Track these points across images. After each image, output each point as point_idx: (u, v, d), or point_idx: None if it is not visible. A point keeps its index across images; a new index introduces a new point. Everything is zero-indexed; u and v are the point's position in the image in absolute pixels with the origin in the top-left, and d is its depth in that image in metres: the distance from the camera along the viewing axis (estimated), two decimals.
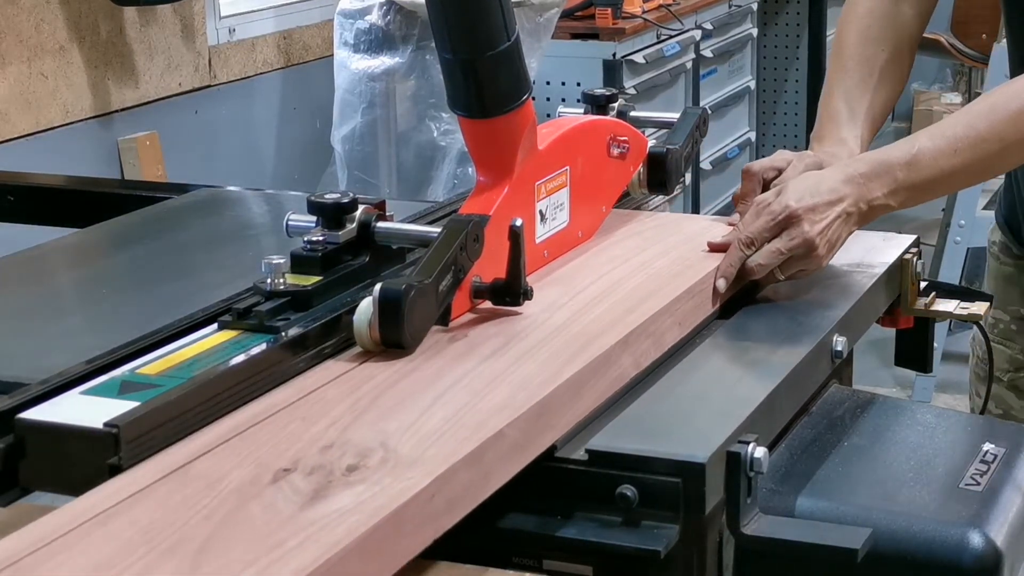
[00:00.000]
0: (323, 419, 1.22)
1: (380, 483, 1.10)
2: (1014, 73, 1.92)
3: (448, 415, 1.22)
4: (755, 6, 5.58)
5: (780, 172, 1.76)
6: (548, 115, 1.77)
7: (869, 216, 1.65)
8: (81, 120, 3.54)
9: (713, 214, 4.83)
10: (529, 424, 1.24)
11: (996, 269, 2.14)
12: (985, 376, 2.04)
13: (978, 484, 1.38)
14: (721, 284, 1.59)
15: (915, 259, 1.74)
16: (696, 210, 4.97)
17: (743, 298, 1.63)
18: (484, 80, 1.47)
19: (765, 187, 1.74)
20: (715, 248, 1.65)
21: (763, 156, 6.19)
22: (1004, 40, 4.22)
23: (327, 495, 1.08)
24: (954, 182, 1.73)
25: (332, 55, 4.09)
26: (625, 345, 1.40)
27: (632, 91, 4.45)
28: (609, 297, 1.51)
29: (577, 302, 1.50)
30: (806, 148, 1.88)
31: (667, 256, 1.65)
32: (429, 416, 1.22)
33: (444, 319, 1.42)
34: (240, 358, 1.29)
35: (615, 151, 1.75)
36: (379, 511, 1.05)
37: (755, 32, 5.63)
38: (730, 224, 1.73)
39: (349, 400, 1.26)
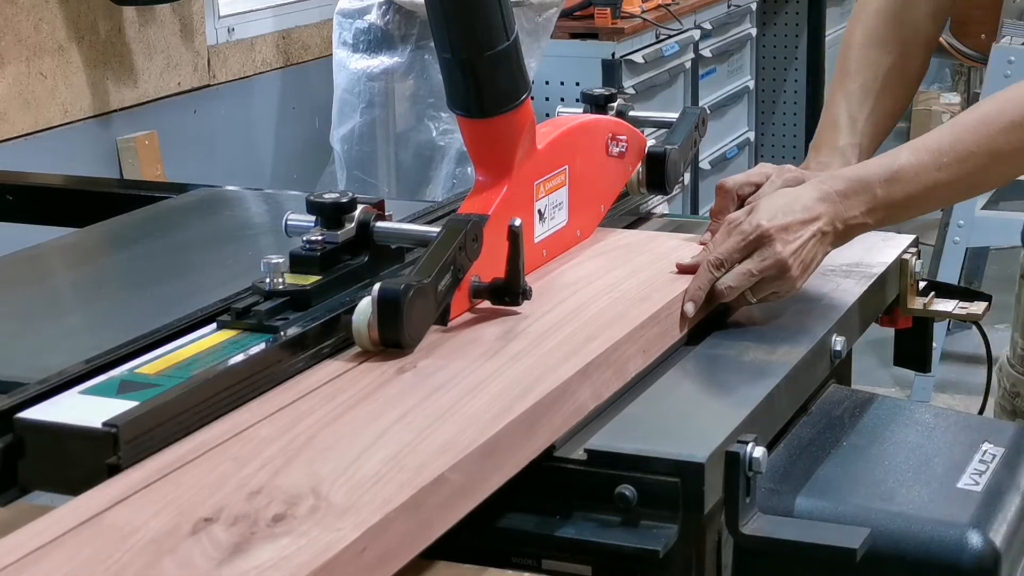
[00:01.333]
0: (255, 460, 1.14)
1: (307, 535, 1.02)
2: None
3: (388, 456, 1.14)
4: (754, 6, 5.58)
5: (757, 187, 1.69)
6: (547, 115, 1.77)
7: (846, 235, 1.58)
8: (80, 120, 3.54)
9: None
10: (475, 466, 1.16)
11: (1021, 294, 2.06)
12: (1011, 410, 2.00)
13: (977, 484, 1.38)
14: (689, 308, 1.52)
15: (914, 259, 1.74)
16: (695, 210, 4.97)
17: (713, 322, 1.56)
18: (483, 80, 1.47)
19: (742, 203, 1.67)
20: (684, 270, 1.58)
21: (762, 156, 6.17)
22: (1003, 40, 4.22)
23: (248, 549, 1.00)
24: (938, 199, 1.65)
25: (331, 55, 4.09)
26: (584, 377, 1.33)
27: (631, 91, 4.45)
28: (569, 323, 1.44)
29: (535, 329, 1.43)
30: (805, 149, 1.86)
31: (634, 278, 1.58)
32: (367, 457, 1.14)
33: (443, 319, 1.42)
34: (239, 358, 1.29)
35: (614, 150, 1.75)
36: (302, 568, 0.98)
37: (754, 32, 5.63)
38: (702, 243, 1.67)
39: (285, 438, 1.18)
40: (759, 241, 1.53)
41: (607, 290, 1.54)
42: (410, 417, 1.22)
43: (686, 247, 1.67)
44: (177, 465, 1.14)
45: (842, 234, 1.57)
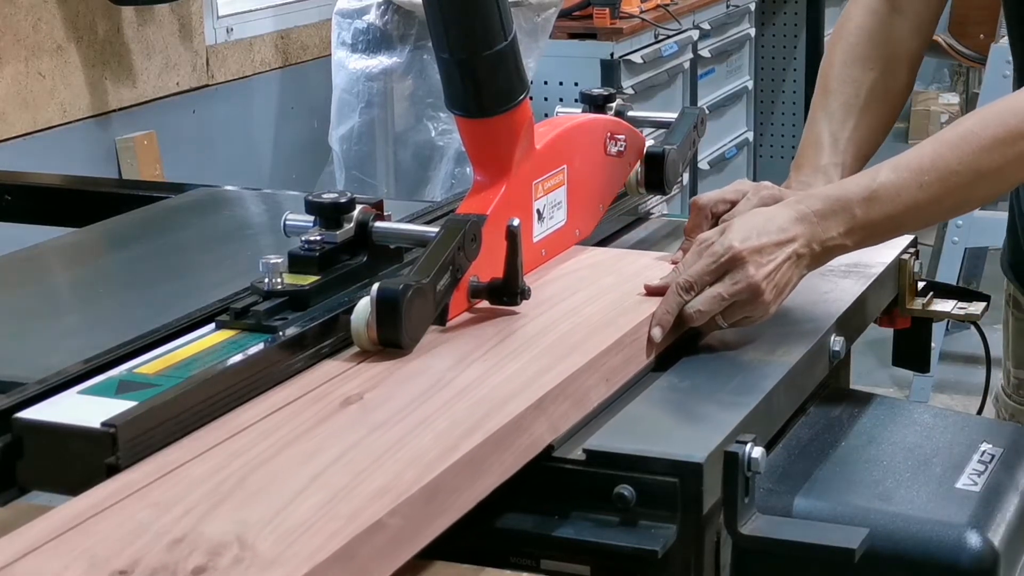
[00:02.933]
0: (179, 504, 1.07)
1: None
2: (1019, 73, 1.88)
3: (321, 501, 1.07)
4: (753, 6, 5.58)
5: (733, 205, 1.63)
6: (546, 115, 1.77)
7: (823, 258, 1.52)
8: (79, 120, 3.54)
9: None
10: (416, 510, 1.09)
11: (1011, 324, 2.01)
12: None
13: (976, 484, 1.38)
14: (656, 333, 1.45)
15: (913, 259, 1.74)
16: None
17: (684, 346, 1.50)
18: (481, 80, 1.47)
19: (716, 221, 1.62)
20: (652, 292, 1.52)
21: (760, 156, 6.16)
22: (1002, 40, 4.22)
23: None
24: (920, 218, 1.57)
25: (330, 55, 4.09)
26: (539, 410, 1.26)
27: (630, 91, 4.45)
28: (527, 350, 1.37)
29: (491, 357, 1.36)
30: None
31: (599, 301, 1.51)
32: (300, 502, 1.07)
33: (441, 319, 1.42)
34: (238, 358, 1.29)
35: (612, 149, 1.75)
36: None
37: (753, 32, 5.63)
38: (673, 262, 1.61)
39: (215, 480, 1.11)
40: (731, 263, 1.47)
41: (570, 314, 1.47)
42: (349, 457, 1.14)
43: (656, 267, 1.61)
44: (95, 511, 1.06)
45: (819, 256, 1.52)
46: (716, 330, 1.49)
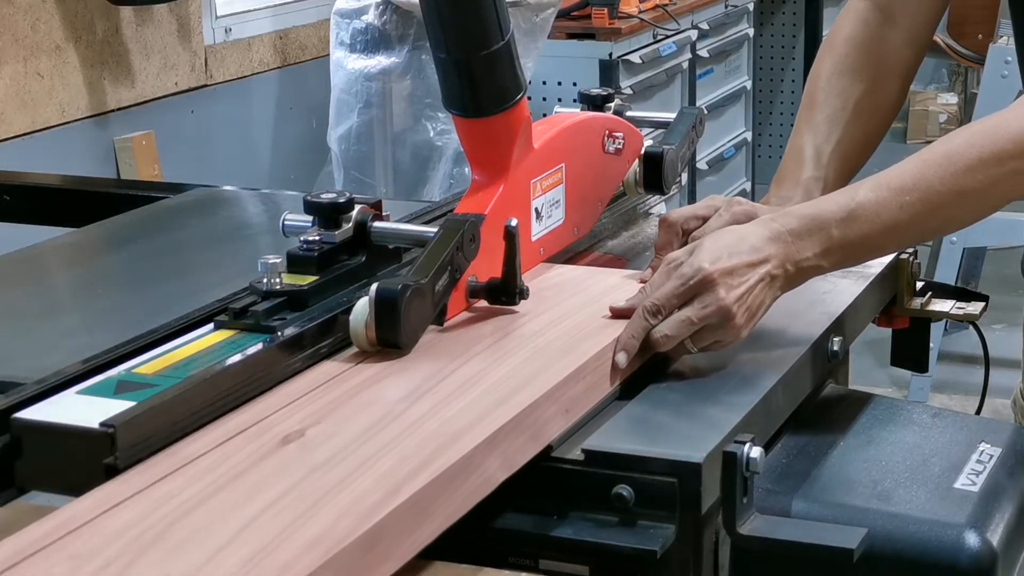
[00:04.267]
0: (97, 557, 1.00)
1: None
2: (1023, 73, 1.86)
3: (249, 553, 1.00)
4: (751, 6, 5.58)
5: (705, 221, 1.58)
6: (544, 115, 1.77)
7: (797, 279, 1.46)
8: (77, 120, 3.53)
9: None
10: (353, 561, 1.02)
11: None
12: None
13: (974, 484, 1.38)
14: (621, 359, 1.39)
15: (911, 259, 1.74)
16: None
17: (652, 371, 1.43)
18: (478, 79, 1.48)
19: (688, 238, 1.57)
20: (618, 314, 1.45)
21: (759, 156, 6.16)
22: (1000, 40, 4.23)
23: None
24: (901, 239, 1.52)
25: (328, 55, 4.09)
26: (492, 446, 1.19)
27: (628, 91, 4.45)
28: (482, 380, 1.30)
29: (443, 388, 1.29)
30: None
31: (561, 324, 1.45)
32: (226, 556, 1.00)
33: (440, 319, 1.42)
34: (236, 358, 1.29)
35: (610, 147, 1.75)
36: None
37: (751, 32, 5.63)
38: (642, 281, 1.53)
39: (137, 529, 1.04)
40: (700, 286, 1.40)
41: (530, 338, 1.41)
42: (283, 502, 1.07)
43: (624, 286, 1.55)
44: (10, 563, 0.99)
45: (793, 277, 1.45)
46: (685, 355, 1.43)
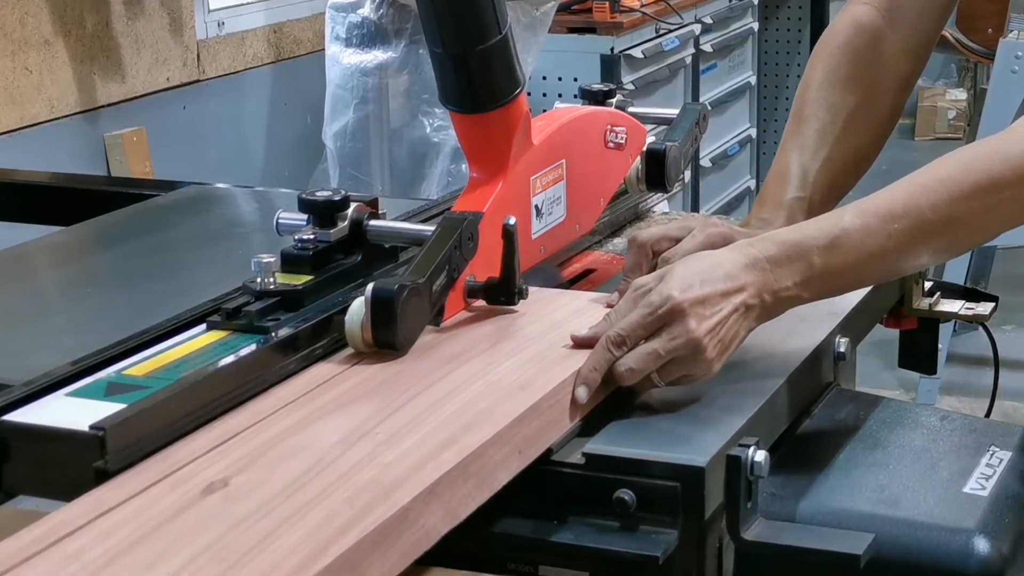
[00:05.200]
0: None
1: None
2: None
3: None
4: (756, 0, 5.58)
5: (677, 243, 1.52)
6: (544, 111, 1.77)
7: (774, 310, 1.39)
8: (67, 116, 3.53)
9: (712, 213, 4.83)
10: None
11: None
12: None
13: (984, 488, 1.38)
14: (581, 394, 1.32)
15: None
16: (696, 208, 4.97)
17: (616, 405, 1.37)
18: (475, 75, 1.48)
19: (659, 261, 1.51)
20: (580, 343, 1.38)
21: (764, 153, 6.14)
22: (1011, 35, 4.22)
23: None
24: (887, 270, 1.45)
25: (324, 49, 4.09)
26: (432, 496, 1.11)
27: (630, 86, 4.45)
28: (426, 421, 1.22)
29: (384, 430, 1.20)
30: None
31: (518, 355, 1.37)
32: None
33: (437, 319, 1.42)
34: (229, 359, 1.29)
35: (612, 142, 1.75)
36: None
37: (756, 26, 5.63)
38: (609, 306, 1.47)
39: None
40: (669, 316, 1.33)
41: (482, 372, 1.33)
42: (197, 564, 1.00)
43: (590, 311, 1.48)
44: None
45: (770, 308, 1.39)
46: (652, 388, 1.36)
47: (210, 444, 1.18)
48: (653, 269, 1.49)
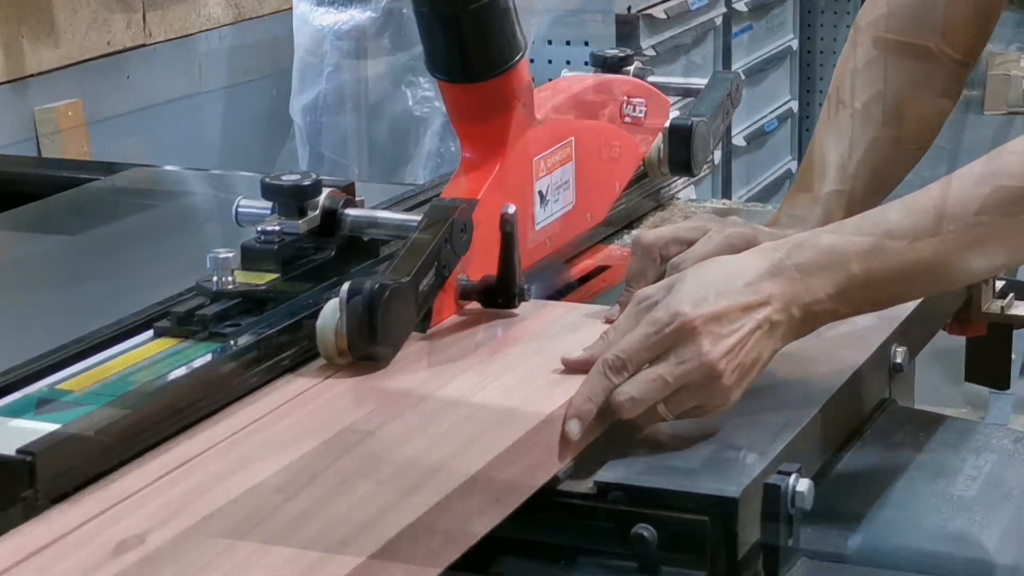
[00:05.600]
0: None
1: None
2: None
3: None
4: None
5: (689, 246, 1.49)
6: (550, 80, 1.77)
7: (804, 327, 1.36)
8: None
9: (747, 200, 4.83)
10: None
11: None
12: None
13: None
14: (573, 428, 1.28)
15: None
16: (727, 195, 4.98)
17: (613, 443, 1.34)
18: (468, 38, 1.48)
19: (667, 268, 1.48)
20: (573, 368, 1.34)
21: (807, 130, 6.14)
22: None
23: None
24: (940, 279, 1.39)
25: (291, 8, 4.09)
26: (389, 555, 1.07)
27: (651, 52, 4.46)
28: (387, 461, 1.19)
29: (338, 471, 1.17)
30: None
31: (502, 379, 1.34)
32: None
33: (424, 324, 1.42)
34: (181, 372, 1.29)
35: (629, 116, 1.75)
36: None
37: None
38: (607, 321, 1.45)
39: None
40: (678, 335, 1.29)
41: (457, 402, 1.30)
42: None
43: (585, 328, 1.46)
44: None
45: (800, 324, 1.35)
46: (658, 421, 1.33)
47: (147, 479, 1.16)
48: (660, 277, 1.46)
